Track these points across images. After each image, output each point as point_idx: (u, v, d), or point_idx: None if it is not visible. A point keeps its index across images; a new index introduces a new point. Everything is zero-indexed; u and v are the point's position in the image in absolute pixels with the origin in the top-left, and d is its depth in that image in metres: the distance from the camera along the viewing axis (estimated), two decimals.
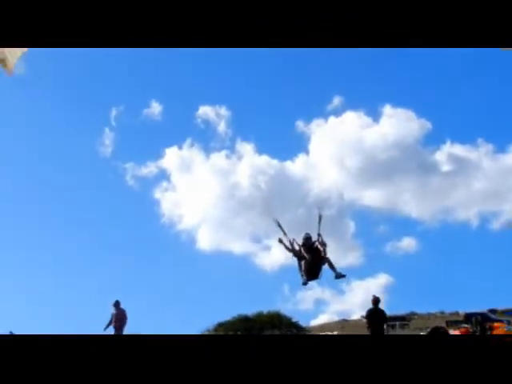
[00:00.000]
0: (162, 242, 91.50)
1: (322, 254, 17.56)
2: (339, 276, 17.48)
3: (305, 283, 17.49)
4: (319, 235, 17.87)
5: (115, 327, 23.72)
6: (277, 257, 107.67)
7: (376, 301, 15.59)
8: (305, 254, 17.51)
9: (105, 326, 24.02)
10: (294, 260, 17.94)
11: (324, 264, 17.55)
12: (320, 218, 18.12)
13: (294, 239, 18.01)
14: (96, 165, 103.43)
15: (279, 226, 18.34)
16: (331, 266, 17.63)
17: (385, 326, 15.55)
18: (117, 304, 24.28)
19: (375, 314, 15.46)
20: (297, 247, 17.94)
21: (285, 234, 18.14)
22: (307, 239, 17.89)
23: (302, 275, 17.60)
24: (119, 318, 24.01)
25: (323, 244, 17.73)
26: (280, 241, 17.97)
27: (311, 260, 17.38)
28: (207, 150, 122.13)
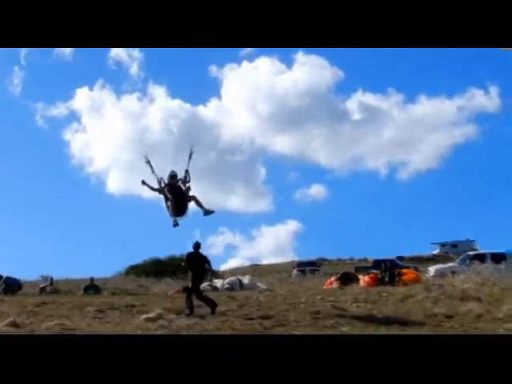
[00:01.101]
0: (71, 185, 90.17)
1: (184, 191, 17.52)
2: (207, 212, 17.43)
3: (175, 224, 17.39)
4: (186, 171, 17.74)
5: None
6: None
7: (196, 246, 16.15)
8: (168, 195, 17.38)
9: None
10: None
11: (189, 201, 17.48)
12: (190, 154, 18.02)
13: (161, 178, 17.84)
14: (4, 104, 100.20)
15: (148, 163, 18.10)
16: (198, 203, 17.55)
17: (206, 266, 16.45)
18: None
19: (194, 258, 16.17)
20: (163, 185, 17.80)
21: (153, 172, 17.97)
22: (172, 177, 17.71)
23: (171, 215, 17.45)
24: None
25: (186, 181, 17.64)
26: (143, 182, 17.78)
27: (174, 200, 17.24)
28: (119, 92, 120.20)
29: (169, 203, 17.51)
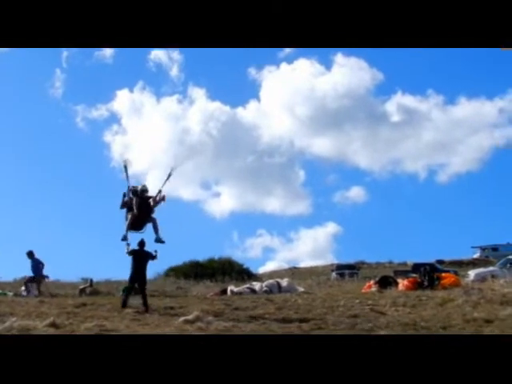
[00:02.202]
0: (111, 187, 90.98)
1: (150, 209, 17.56)
2: (159, 241, 17.39)
3: (124, 238, 17.42)
4: (159, 191, 17.74)
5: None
6: (226, 204, 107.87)
7: (141, 243, 16.93)
8: (134, 207, 17.31)
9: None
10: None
11: (149, 222, 17.49)
12: (169, 175, 18.09)
13: (133, 187, 17.87)
14: (46, 107, 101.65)
15: (125, 168, 18.09)
16: (155, 227, 17.51)
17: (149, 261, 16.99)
18: (30, 254, 24.93)
19: (139, 254, 16.84)
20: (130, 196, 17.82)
21: (127, 178, 18.01)
22: (143, 191, 17.65)
23: (127, 228, 17.47)
24: (34, 268, 24.81)
25: (157, 201, 17.66)
26: (124, 195, 17.97)
27: (138, 214, 17.22)
28: (159, 94, 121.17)
29: (129, 215, 17.54)
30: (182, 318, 13.37)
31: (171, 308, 16.33)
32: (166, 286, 34.26)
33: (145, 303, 16.21)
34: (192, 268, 51.62)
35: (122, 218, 17.76)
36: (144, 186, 17.90)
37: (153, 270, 51.18)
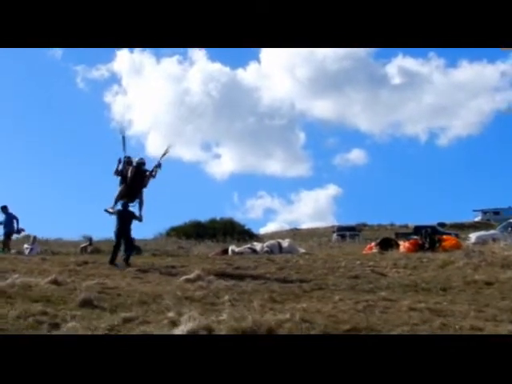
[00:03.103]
0: (112, 147, 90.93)
1: (145, 183, 17.62)
2: (137, 218, 17.42)
3: (107, 210, 17.50)
4: (159, 165, 17.94)
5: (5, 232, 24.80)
6: (226, 165, 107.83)
7: (124, 204, 17.31)
8: (129, 176, 17.43)
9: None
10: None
11: (140, 197, 17.51)
12: (165, 151, 18.22)
13: (129, 157, 18.05)
14: (46, 68, 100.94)
15: (123, 139, 18.49)
16: (141, 204, 17.60)
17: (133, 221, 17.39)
18: (4, 208, 25.07)
19: (122, 213, 17.25)
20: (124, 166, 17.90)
21: (124, 149, 18.27)
22: (139, 164, 17.67)
23: (116, 198, 17.55)
24: (7, 222, 24.92)
25: (152, 175, 17.75)
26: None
27: (131, 187, 17.31)
28: (158, 55, 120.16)
29: (123, 186, 17.61)
30: (183, 277, 13.43)
31: (172, 267, 16.39)
32: (168, 246, 34.47)
33: (126, 259, 16.69)
34: (193, 228, 51.90)
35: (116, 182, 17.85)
36: (141, 159, 17.95)
37: (154, 229, 51.51)
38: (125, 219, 17.09)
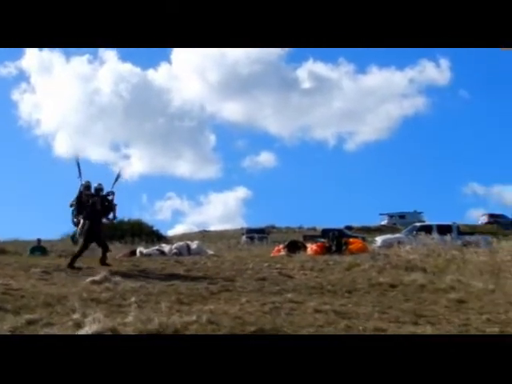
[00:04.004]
0: (18, 146, 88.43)
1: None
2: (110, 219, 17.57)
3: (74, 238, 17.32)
4: (113, 193, 17.60)
5: None
6: (135, 166, 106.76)
7: (93, 203, 16.96)
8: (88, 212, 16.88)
9: None
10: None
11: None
12: (118, 176, 18.01)
13: (87, 182, 17.61)
14: None
15: (77, 164, 17.89)
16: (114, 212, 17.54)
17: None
18: None
19: (92, 215, 16.96)
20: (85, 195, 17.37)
21: (80, 175, 17.81)
22: (98, 190, 17.32)
23: (80, 232, 17.31)
24: None
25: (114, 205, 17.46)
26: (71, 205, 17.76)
27: (92, 224, 16.74)
28: (68, 54, 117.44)
29: (82, 218, 17.12)
30: (89, 279, 13.17)
31: (79, 268, 16.05)
32: (75, 247, 33.76)
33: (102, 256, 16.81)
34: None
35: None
36: (100, 184, 17.44)
37: (61, 230, 50.31)
38: (95, 220, 16.75)
